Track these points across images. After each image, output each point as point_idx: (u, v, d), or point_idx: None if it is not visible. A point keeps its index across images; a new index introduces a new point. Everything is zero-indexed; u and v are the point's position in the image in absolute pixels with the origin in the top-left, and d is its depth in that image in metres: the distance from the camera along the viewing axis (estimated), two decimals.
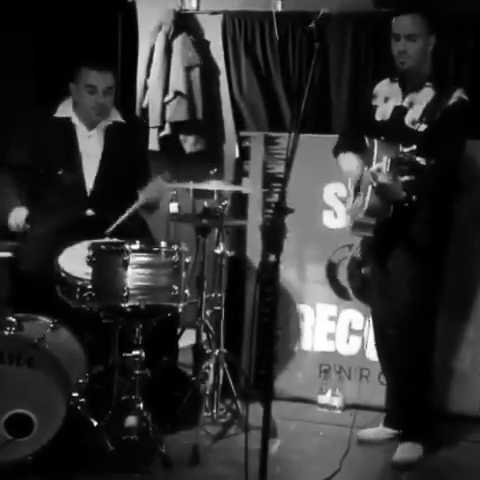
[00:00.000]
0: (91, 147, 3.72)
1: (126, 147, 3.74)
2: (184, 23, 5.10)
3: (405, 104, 3.39)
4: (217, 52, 5.09)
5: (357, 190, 3.46)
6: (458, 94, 3.30)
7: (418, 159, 3.05)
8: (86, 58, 3.69)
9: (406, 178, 3.13)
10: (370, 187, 3.25)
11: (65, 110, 3.74)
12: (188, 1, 5.14)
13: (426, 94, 3.35)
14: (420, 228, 3.32)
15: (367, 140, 3.37)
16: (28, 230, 3.53)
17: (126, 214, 3.52)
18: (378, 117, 3.47)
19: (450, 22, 4.38)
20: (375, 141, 3.29)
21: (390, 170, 3.13)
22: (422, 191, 3.21)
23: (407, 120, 3.34)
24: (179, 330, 4.05)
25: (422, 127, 3.29)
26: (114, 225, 3.47)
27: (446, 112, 3.27)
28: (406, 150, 3.08)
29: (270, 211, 4.12)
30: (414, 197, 3.18)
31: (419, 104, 3.34)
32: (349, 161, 3.48)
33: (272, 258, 2.44)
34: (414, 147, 3.07)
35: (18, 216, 3.53)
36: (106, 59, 3.85)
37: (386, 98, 3.47)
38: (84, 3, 4.62)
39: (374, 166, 3.21)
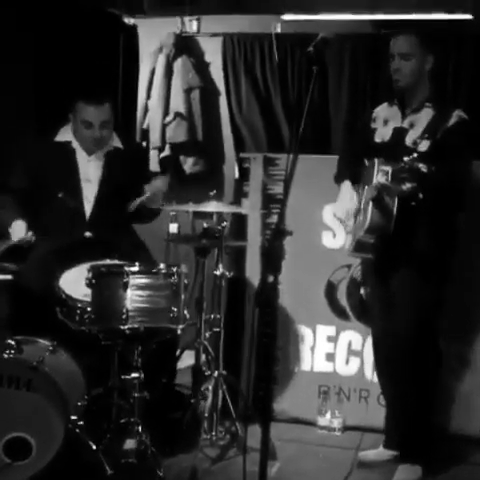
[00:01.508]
0: (91, 171, 3.75)
1: (124, 173, 3.75)
2: (185, 45, 5.15)
3: (405, 125, 3.40)
4: (217, 74, 5.14)
5: (357, 212, 3.47)
6: (458, 113, 3.32)
7: (420, 166, 3.06)
8: (82, 92, 3.69)
9: (408, 186, 3.13)
10: (371, 204, 3.26)
11: (66, 134, 3.77)
12: (189, 24, 5.19)
13: (426, 115, 3.36)
14: (423, 246, 3.32)
15: (366, 161, 3.39)
16: (33, 241, 3.52)
17: (138, 201, 3.59)
18: (377, 139, 3.49)
19: (449, 42, 4.43)
20: (376, 160, 3.30)
21: (392, 179, 3.14)
22: (426, 196, 3.21)
23: (408, 140, 3.35)
24: (178, 351, 4.04)
25: (423, 146, 3.29)
26: (134, 205, 3.56)
27: (448, 132, 3.28)
28: (407, 159, 3.09)
29: (269, 232, 4.13)
30: (421, 195, 3.17)
31: (419, 125, 3.35)
32: (346, 198, 3.51)
33: (271, 279, 2.44)
34: (415, 155, 3.08)
35: (18, 229, 3.54)
36: (102, 91, 3.83)
37: (385, 121, 3.49)
38: (86, 25, 4.66)
39: (375, 180, 3.22)
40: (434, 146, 3.27)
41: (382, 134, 3.48)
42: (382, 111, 3.55)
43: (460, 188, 3.30)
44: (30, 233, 3.52)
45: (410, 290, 3.35)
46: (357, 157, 3.50)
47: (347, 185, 3.53)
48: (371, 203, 3.27)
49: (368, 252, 3.41)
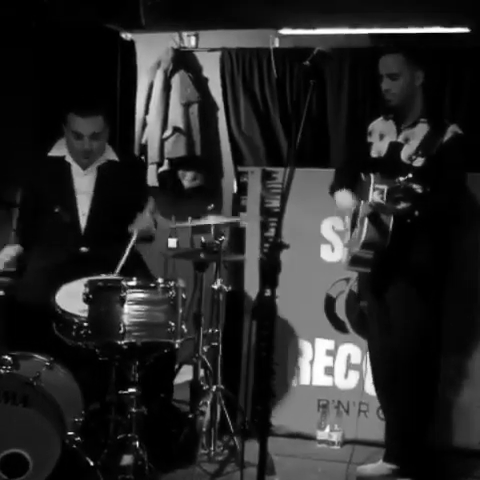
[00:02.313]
0: (85, 185, 3.76)
1: (118, 185, 3.75)
2: (183, 60, 5.17)
3: (400, 140, 3.42)
4: (216, 88, 5.15)
5: (353, 225, 3.47)
6: (453, 129, 3.33)
7: (414, 186, 3.07)
8: (73, 104, 3.72)
9: (403, 205, 3.14)
10: (366, 220, 3.27)
11: (59, 149, 3.79)
12: (187, 39, 5.21)
13: (421, 130, 3.38)
14: (420, 260, 3.33)
15: (363, 176, 3.39)
16: (16, 269, 3.54)
17: (127, 252, 3.52)
18: (374, 154, 3.50)
19: (442, 55, 4.44)
20: (371, 175, 3.31)
21: (387, 199, 3.15)
22: (421, 213, 3.22)
23: (403, 155, 3.37)
24: (176, 366, 4.03)
25: (418, 161, 3.31)
26: (119, 266, 3.46)
27: (443, 148, 3.30)
28: (402, 179, 3.10)
29: (267, 245, 4.13)
30: (417, 212, 3.17)
31: (414, 140, 3.37)
32: (344, 198, 3.51)
33: (268, 293, 2.44)
34: (410, 175, 3.09)
35: (4, 254, 3.56)
36: (93, 103, 3.84)
37: (381, 135, 3.51)
38: (84, 41, 4.68)
39: (371, 197, 3.23)
40: (429, 162, 3.28)
41: (378, 149, 3.49)
42: (377, 125, 3.56)
43: (456, 204, 3.31)
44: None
45: (407, 304, 3.36)
46: (354, 172, 3.51)
47: (341, 192, 3.54)
48: (367, 219, 3.28)
49: (364, 266, 3.42)
